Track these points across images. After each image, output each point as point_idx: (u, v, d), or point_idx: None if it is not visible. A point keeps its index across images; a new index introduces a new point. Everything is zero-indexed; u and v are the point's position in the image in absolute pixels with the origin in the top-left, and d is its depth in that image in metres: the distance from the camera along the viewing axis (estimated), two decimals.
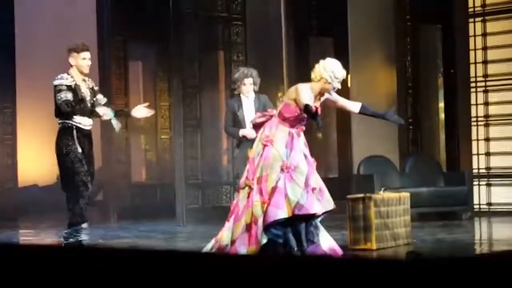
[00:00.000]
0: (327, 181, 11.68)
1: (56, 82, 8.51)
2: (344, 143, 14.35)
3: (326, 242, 7.48)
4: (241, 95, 9.48)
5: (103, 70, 14.01)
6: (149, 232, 10.78)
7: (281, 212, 7.04)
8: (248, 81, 9.40)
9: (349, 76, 13.68)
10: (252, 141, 8.37)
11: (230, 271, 3.10)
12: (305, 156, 7.41)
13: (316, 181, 7.38)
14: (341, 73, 7.64)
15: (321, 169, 13.72)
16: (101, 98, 8.72)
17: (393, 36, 13.82)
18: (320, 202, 7.27)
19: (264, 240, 7.13)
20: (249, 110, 9.40)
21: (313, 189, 7.27)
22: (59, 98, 8.39)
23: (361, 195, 8.36)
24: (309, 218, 7.30)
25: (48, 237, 10.83)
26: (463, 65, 13.31)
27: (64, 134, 8.39)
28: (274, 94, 14.38)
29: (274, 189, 7.12)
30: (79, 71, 8.58)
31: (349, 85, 13.66)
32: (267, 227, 7.11)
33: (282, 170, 7.19)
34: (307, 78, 14.30)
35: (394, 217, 8.38)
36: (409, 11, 13.60)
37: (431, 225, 10.83)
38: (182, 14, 12.51)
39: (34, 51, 14.51)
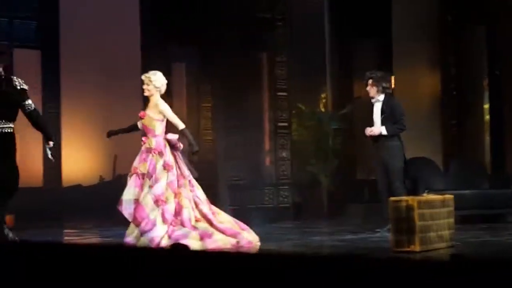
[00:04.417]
0: (370, 182, 11.67)
1: (27, 86, 8.51)
2: None
3: None
4: None
5: (146, 71, 14.05)
6: None
7: None
8: (369, 82, 10.25)
9: (393, 77, 13.62)
10: (379, 139, 10.11)
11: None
12: None
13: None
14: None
15: (364, 171, 13.72)
16: None
17: (437, 36, 13.72)
18: None
19: None
20: (376, 111, 10.22)
21: None
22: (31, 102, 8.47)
23: (404, 197, 8.30)
24: None
25: (93, 237, 10.90)
26: (508, 66, 13.17)
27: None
28: (317, 96, 14.35)
29: None
30: None
31: (392, 86, 13.60)
32: None
33: None
34: (350, 79, 14.31)
35: (437, 219, 8.30)
36: (453, 11, 13.49)
37: (475, 227, 10.72)
38: (226, 15, 12.52)
39: (78, 53, 14.62)
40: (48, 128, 8.98)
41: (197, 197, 9.06)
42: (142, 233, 8.57)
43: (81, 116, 14.77)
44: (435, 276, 2.89)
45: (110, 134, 9.36)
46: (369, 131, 10.18)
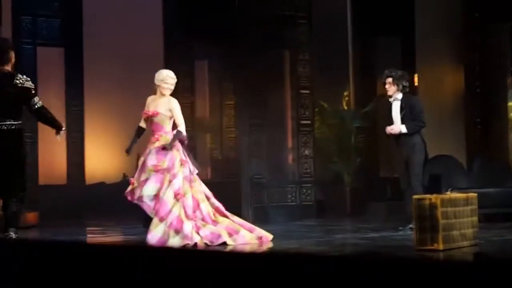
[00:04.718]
0: (393, 180, 11.59)
1: (32, 84, 8.64)
2: None
3: None
4: None
5: (169, 69, 14.08)
6: None
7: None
8: (388, 80, 10.19)
9: (416, 75, 13.56)
10: (400, 137, 10.07)
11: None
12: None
13: (139, 178, 9.14)
14: (166, 75, 9.39)
15: (386, 169, 13.67)
16: None
17: (460, 34, 13.64)
18: (132, 194, 9.13)
19: None
20: (395, 109, 10.17)
21: (132, 182, 9.20)
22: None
23: (428, 195, 8.27)
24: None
25: (115, 234, 10.94)
26: None
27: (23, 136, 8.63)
28: (340, 93, 14.32)
29: None
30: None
31: (416, 83, 13.55)
32: None
33: None
34: (372, 77, 14.26)
35: (461, 217, 8.27)
36: (477, 9, 13.41)
37: (498, 226, 10.65)
38: (247, 13, 12.51)
39: (102, 51, 14.67)
40: (56, 120, 9.00)
41: (206, 191, 9.23)
42: (177, 232, 8.70)
43: (104, 114, 14.81)
44: (458, 274, 2.88)
45: (128, 151, 9.51)
46: (390, 129, 10.16)
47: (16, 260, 3.71)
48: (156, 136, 9.23)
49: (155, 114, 9.25)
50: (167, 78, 9.32)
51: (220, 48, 14.68)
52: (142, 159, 9.26)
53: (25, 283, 3.58)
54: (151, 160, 9.09)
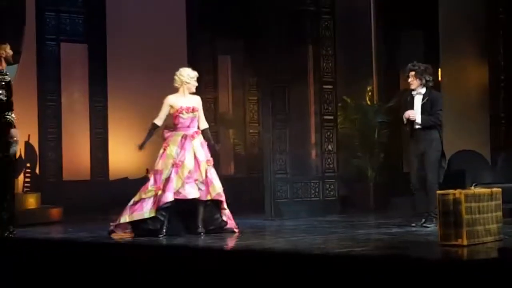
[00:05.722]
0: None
1: None
2: None
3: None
4: None
5: (192, 64, 14.11)
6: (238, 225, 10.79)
7: (169, 196, 9.29)
8: (411, 74, 10.14)
9: (439, 69, 13.49)
10: (415, 132, 10.01)
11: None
12: (195, 155, 9.46)
13: (201, 174, 9.44)
14: (193, 72, 9.77)
15: (405, 163, 13.60)
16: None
17: (484, 28, 13.55)
18: (201, 191, 9.45)
19: (151, 215, 9.42)
20: (417, 103, 10.10)
21: (195, 180, 9.41)
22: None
23: (451, 190, 8.22)
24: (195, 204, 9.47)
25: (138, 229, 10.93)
26: None
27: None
28: (363, 88, 14.28)
29: (167, 180, 9.33)
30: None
31: (439, 78, 13.48)
32: (159, 207, 9.34)
33: (172, 165, 9.36)
34: (396, 71, 14.18)
35: (485, 213, 8.22)
36: (501, 3, 13.31)
37: None
38: (271, 8, 12.50)
39: (125, 47, 14.71)
40: None
41: None
42: None
43: (128, 110, 14.85)
44: (482, 270, 2.86)
45: (142, 147, 9.84)
46: (410, 112, 10.00)
47: (16, 260, 3.71)
48: (194, 130, 9.65)
49: (196, 109, 9.67)
50: (194, 76, 9.73)
51: (243, 43, 14.68)
52: (188, 154, 9.50)
53: (27, 282, 3.59)
54: (202, 155, 9.57)
